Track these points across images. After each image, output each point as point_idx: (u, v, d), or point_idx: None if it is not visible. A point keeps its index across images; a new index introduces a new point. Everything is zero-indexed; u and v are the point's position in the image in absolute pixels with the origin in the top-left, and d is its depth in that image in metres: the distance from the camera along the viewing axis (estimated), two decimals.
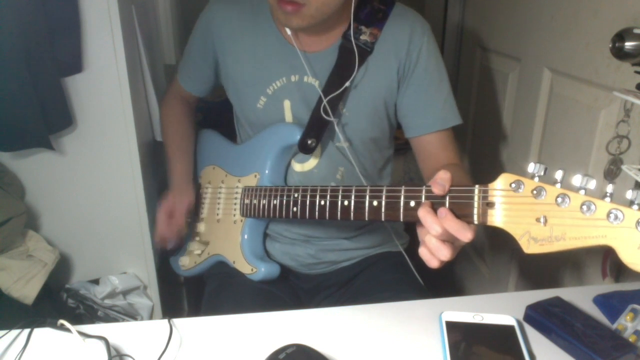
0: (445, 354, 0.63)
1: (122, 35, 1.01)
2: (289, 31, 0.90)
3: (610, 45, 0.75)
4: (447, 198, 0.61)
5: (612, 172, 0.80)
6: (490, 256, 1.53)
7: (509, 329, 0.67)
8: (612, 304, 0.74)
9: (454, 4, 1.73)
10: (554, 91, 1.14)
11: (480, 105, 1.57)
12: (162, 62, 1.41)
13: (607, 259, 0.96)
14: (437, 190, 0.61)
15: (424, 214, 0.61)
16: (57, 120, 1.01)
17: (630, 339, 0.66)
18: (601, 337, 0.65)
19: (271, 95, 0.96)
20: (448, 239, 0.61)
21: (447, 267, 0.62)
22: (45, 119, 0.97)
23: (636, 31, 0.73)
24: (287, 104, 0.95)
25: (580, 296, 0.76)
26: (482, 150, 1.55)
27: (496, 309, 0.72)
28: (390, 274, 1.03)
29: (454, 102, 0.97)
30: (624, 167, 0.75)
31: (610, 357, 0.62)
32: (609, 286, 0.80)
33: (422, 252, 0.63)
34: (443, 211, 0.60)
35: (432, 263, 0.62)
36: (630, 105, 0.79)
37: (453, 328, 0.67)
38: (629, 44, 0.73)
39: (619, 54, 0.74)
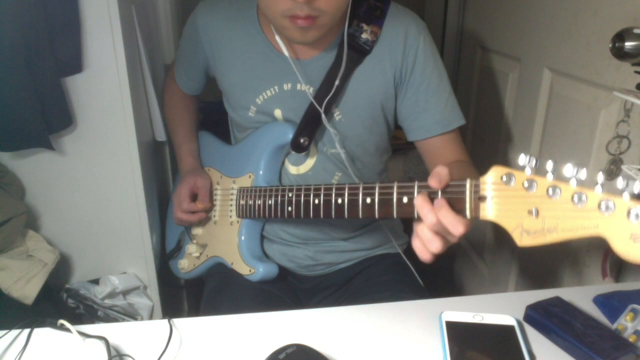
0: (445, 354, 0.63)
1: (122, 35, 1.01)
2: (279, 40, 0.88)
3: (610, 45, 0.75)
4: (439, 193, 0.61)
5: (612, 172, 0.80)
6: (490, 256, 1.52)
7: (509, 329, 0.67)
8: (612, 304, 0.74)
9: (454, 4, 1.72)
10: (554, 91, 1.14)
11: (480, 105, 1.57)
12: (162, 62, 1.41)
13: (607, 259, 0.96)
14: (433, 182, 0.61)
15: (420, 202, 0.61)
16: (57, 120, 1.01)
17: (630, 339, 0.66)
18: (601, 337, 0.65)
19: (260, 105, 0.94)
20: (441, 230, 0.61)
21: (446, 267, 0.62)
22: (45, 119, 0.97)
23: (636, 31, 0.72)
24: (278, 112, 0.94)
25: (580, 296, 0.76)
26: (482, 150, 1.55)
27: (496, 309, 0.72)
28: (389, 275, 1.03)
29: (455, 103, 0.95)
30: (624, 167, 0.75)
31: (610, 357, 0.62)
32: (609, 286, 0.80)
33: (415, 243, 0.63)
34: (439, 202, 0.60)
35: (424, 255, 0.62)
36: (630, 105, 0.79)
37: (453, 328, 0.67)
38: (629, 44, 0.73)
39: (619, 54, 0.74)
